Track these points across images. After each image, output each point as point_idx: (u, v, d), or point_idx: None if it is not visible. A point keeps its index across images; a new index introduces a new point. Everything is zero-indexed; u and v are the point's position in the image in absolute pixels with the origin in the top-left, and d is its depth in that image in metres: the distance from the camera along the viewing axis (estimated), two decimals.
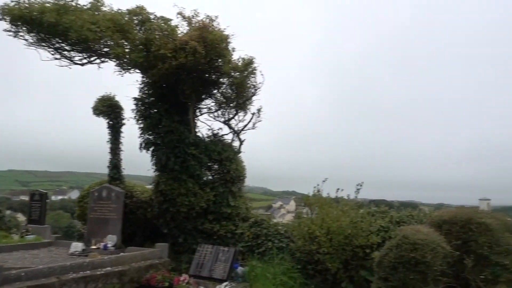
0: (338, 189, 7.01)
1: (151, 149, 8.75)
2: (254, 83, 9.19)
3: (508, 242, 4.50)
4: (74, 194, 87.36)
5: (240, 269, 6.86)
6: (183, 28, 8.45)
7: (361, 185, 6.89)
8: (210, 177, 8.93)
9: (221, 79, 9.09)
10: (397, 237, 4.75)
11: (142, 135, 8.88)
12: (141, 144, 8.83)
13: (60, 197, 76.95)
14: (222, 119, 9.83)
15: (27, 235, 10.44)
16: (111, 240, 7.97)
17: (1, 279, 4.89)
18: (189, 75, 8.40)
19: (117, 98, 9.68)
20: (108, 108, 9.46)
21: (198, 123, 9.57)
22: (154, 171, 8.82)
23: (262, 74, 9.13)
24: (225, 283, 6.56)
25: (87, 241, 8.24)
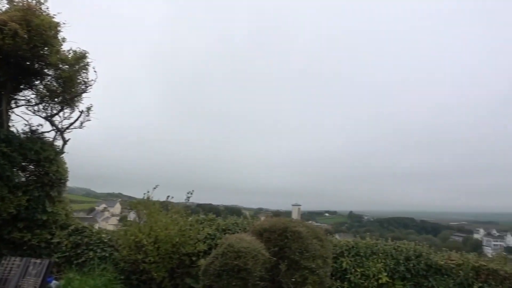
0: (168, 196, 7.02)
1: None
2: (86, 79, 8.50)
3: (315, 248, 5.16)
4: None
5: (54, 283, 6.20)
6: (1, 5, 7.33)
7: (191, 193, 7.02)
8: (23, 179, 7.84)
9: (46, 70, 8.13)
10: (223, 245, 4.98)
11: None
12: None
13: None
14: (44, 114, 8.76)
15: None
16: None
17: None
18: (6, 60, 7.29)
19: None
20: None
21: (13, 117, 8.35)
22: None
23: (95, 71, 8.51)
24: None
25: None
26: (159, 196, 7.10)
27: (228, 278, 4.67)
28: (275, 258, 5.10)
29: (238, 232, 6.26)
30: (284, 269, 5.03)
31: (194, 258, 6.14)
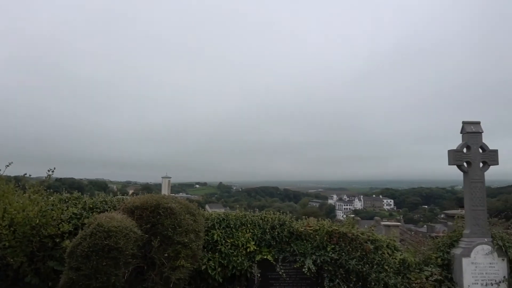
0: (25, 174, 6.39)
1: None
2: None
3: (188, 223, 5.27)
4: None
5: None
6: None
7: (53, 171, 6.49)
8: None
9: None
10: (91, 225, 4.77)
11: None
12: None
13: None
14: None
15: None
16: None
17: None
18: None
19: None
20: None
21: None
22: None
23: None
24: None
25: None
26: (11, 173, 6.41)
27: (97, 258, 4.51)
28: (147, 235, 5.08)
29: (107, 211, 6.02)
30: (157, 245, 5.05)
31: (57, 240, 5.74)
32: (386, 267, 6.51)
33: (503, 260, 6.69)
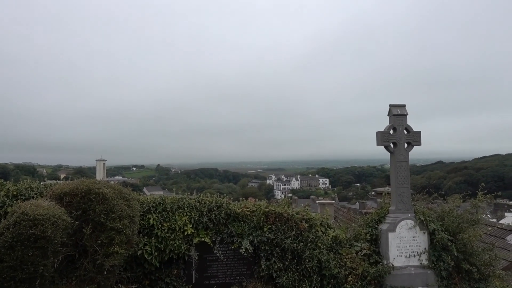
0: None
1: None
2: None
3: (121, 208, 5.11)
4: None
5: None
6: None
7: None
8: None
9: None
10: (14, 214, 4.49)
11: None
12: None
13: None
14: None
15: None
16: None
17: None
18: None
19: None
20: None
21: None
22: None
23: None
24: None
25: None
26: None
27: (23, 249, 4.26)
28: (78, 222, 4.87)
29: (33, 198, 5.67)
30: (89, 232, 4.86)
31: None
32: (320, 244, 6.80)
33: (424, 233, 7.23)
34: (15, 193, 6.02)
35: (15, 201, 5.70)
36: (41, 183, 6.60)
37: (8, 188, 6.15)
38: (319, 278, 6.62)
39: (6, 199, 5.86)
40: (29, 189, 6.17)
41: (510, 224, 11.71)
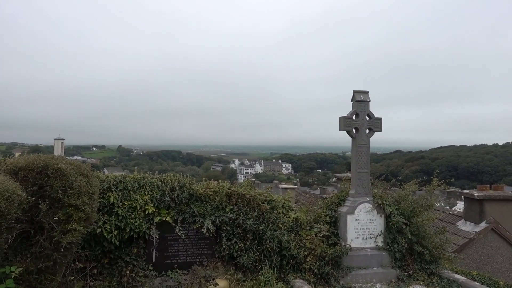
0: None
1: None
2: None
3: (80, 185, 4.96)
4: None
5: None
6: None
7: None
8: None
9: None
10: None
11: None
12: None
13: None
14: None
15: None
16: None
17: None
18: None
19: None
20: None
21: None
22: None
23: None
24: None
25: None
26: None
27: None
28: (34, 198, 4.70)
29: None
30: (45, 208, 4.70)
31: None
32: (281, 226, 6.92)
33: (381, 216, 7.50)
34: None
35: None
36: None
37: None
38: (279, 258, 6.75)
39: None
40: None
41: (461, 211, 12.33)
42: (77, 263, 5.74)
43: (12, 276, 4.29)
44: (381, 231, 7.48)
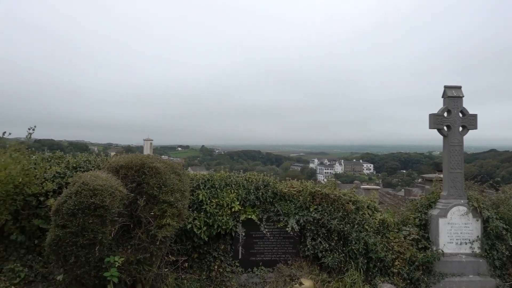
0: (4, 132, 6.28)
1: None
2: None
3: (173, 182, 5.27)
4: None
5: None
6: None
7: (33, 129, 6.39)
8: None
9: None
10: (76, 184, 4.74)
11: None
12: None
13: None
14: None
15: None
16: None
17: None
18: None
19: None
20: None
21: None
22: None
23: None
24: None
25: None
26: None
27: (84, 216, 4.52)
28: (133, 194, 5.08)
29: (91, 170, 5.98)
30: (143, 204, 5.07)
31: (42, 198, 5.72)
32: (367, 227, 6.73)
33: (477, 220, 6.97)
34: (74, 165, 6.39)
35: (74, 172, 6.05)
36: (98, 157, 6.93)
37: (68, 161, 6.54)
38: (365, 261, 6.57)
39: (67, 170, 6.24)
40: (87, 161, 6.53)
41: None
42: (170, 256, 6.10)
43: (116, 265, 4.68)
44: (477, 236, 6.95)
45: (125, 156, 5.62)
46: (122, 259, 4.78)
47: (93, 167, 6.33)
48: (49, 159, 6.59)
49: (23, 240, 5.77)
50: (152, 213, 5.09)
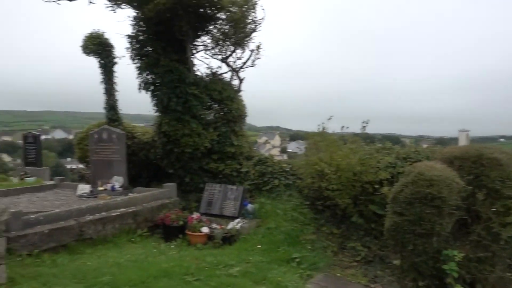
0: (343, 126, 7.08)
1: (150, 89, 8.52)
2: (254, 18, 8.84)
3: None
4: (58, 134, 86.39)
5: (250, 206, 7.03)
6: None
7: (367, 122, 6.92)
8: (212, 117, 8.80)
9: (218, 14, 8.67)
10: (411, 173, 4.85)
11: (140, 75, 8.59)
12: (140, 85, 8.56)
13: (43, 137, 76.15)
14: (220, 57, 9.49)
15: (26, 177, 10.42)
16: (117, 182, 8.02)
17: (22, 224, 4.93)
18: (186, 10, 7.98)
19: (106, 36, 9.29)
20: (98, 47, 9.08)
21: (195, 61, 9.27)
22: (156, 112, 8.69)
23: (263, 9, 8.80)
24: (237, 220, 6.76)
25: (93, 183, 8.27)
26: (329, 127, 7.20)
27: (421, 206, 4.57)
28: (470, 187, 4.78)
29: (420, 160, 6.00)
30: (482, 198, 4.68)
31: (376, 186, 6.17)
32: None
33: None
34: (404, 155, 6.60)
35: (405, 163, 6.24)
36: (428, 148, 6.92)
37: (397, 151, 6.83)
38: None
39: (396, 160, 6.51)
40: (416, 152, 6.62)
41: None
42: None
43: (455, 260, 4.52)
44: None
45: (459, 147, 5.39)
46: (462, 254, 4.57)
47: (422, 157, 6.35)
48: (380, 150, 7.05)
49: (362, 223, 6.39)
50: (493, 209, 4.64)
